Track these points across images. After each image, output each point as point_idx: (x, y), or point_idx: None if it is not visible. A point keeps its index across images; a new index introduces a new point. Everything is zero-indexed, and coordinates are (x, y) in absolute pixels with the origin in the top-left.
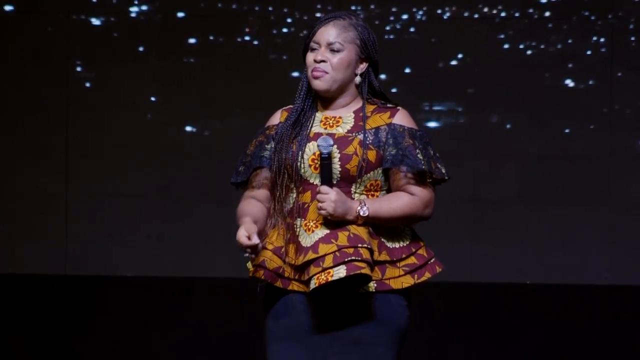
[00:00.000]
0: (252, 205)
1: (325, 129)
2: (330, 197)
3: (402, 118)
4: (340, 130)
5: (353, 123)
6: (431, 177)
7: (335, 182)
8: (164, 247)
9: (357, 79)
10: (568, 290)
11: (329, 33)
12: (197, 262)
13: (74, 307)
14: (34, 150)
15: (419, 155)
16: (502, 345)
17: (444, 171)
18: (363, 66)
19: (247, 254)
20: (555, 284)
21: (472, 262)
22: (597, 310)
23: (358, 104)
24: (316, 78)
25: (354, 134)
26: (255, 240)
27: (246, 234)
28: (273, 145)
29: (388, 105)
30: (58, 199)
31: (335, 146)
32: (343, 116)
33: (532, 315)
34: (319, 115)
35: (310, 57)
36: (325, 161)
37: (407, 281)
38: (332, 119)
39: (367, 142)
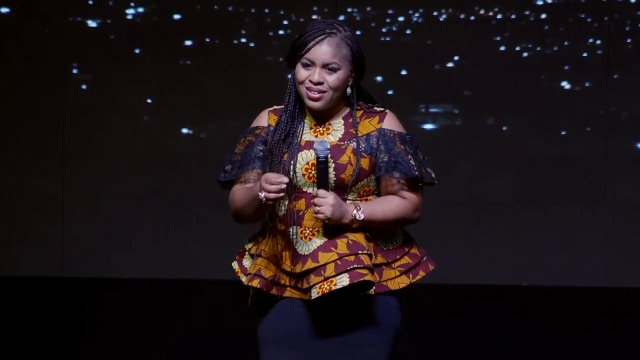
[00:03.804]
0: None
1: (316, 136)
2: (328, 201)
3: (391, 122)
4: (332, 138)
5: (343, 130)
6: (422, 181)
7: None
8: (160, 249)
9: (348, 90)
10: (564, 292)
11: (326, 52)
12: (194, 264)
13: (70, 309)
14: (31, 151)
15: (411, 161)
16: (499, 347)
17: (433, 175)
18: (352, 79)
19: (263, 195)
20: (551, 286)
21: (469, 264)
22: (593, 313)
23: (345, 109)
24: (313, 100)
25: (346, 142)
26: (285, 179)
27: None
28: (262, 149)
29: (375, 108)
30: (55, 201)
31: (329, 155)
32: (332, 123)
33: (528, 318)
34: (307, 123)
35: (303, 73)
36: (322, 165)
37: (403, 281)
38: (322, 127)
39: (360, 150)
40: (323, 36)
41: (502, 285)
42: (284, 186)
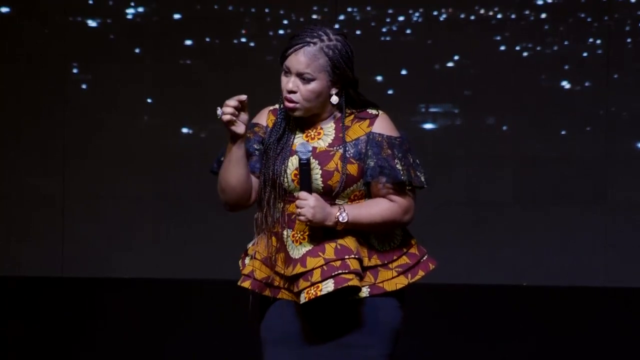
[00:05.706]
0: None
1: (307, 141)
2: (309, 203)
3: (381, 125)
4: (322, 143)
5: (334, 135)
6: (410, 185)
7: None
8: (160, 249)
9: (334, 99)
10: (564, 292)
11: (299, 62)
12: (194, 264)
13: (70, 309)
14: (31, 151)
15: (397, 166)
16: (499, 347)
17: (423, 179)
18: (336, 89)
19: (220, 111)
20: (551, 285)
21: (469, 264)
22: (593, 313)
23: (338, 113)
24: (289, 108)
25: (334, 147)
26: (243, 96)
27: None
28: (257, 147)
29: (368, 111)
30: (55, 201)
31: (317, 161)
32: (324, 127)
33: (528, 318)
34: (301, 127)
35: (283, 80)
36: (304, 167)
37: (401, 282)
38: (314, 131)
39: (348, 156)
40: (301, 45)
41: (502, 285)
42: (243, 97)
